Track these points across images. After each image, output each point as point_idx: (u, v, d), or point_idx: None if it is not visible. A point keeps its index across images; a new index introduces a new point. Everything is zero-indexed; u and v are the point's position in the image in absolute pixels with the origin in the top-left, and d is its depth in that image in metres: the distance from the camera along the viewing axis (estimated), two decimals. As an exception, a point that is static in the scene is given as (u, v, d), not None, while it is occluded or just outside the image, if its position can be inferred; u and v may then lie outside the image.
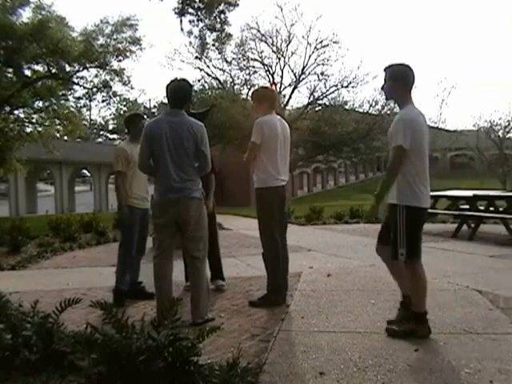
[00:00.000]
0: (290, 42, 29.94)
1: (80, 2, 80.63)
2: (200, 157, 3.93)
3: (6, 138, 17.45)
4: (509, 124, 34.40)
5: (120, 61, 18.36)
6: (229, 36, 17.91)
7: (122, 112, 22.74)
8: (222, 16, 16.17)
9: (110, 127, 39.92)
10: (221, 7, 15.68)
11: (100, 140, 42.73)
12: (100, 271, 6.54)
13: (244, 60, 30.16)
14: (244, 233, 10.49)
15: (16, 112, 18.93)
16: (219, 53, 27.91)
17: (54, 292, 5.20)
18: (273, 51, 30.10)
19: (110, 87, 19.30)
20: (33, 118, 19.60)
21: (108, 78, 18.86)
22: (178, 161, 3.85)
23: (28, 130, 19.40)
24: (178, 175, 3.84)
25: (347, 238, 9.26)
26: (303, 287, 5.11)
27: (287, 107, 30.18)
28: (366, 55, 76.13)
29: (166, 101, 4.48)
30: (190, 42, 26.99)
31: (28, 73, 18.00)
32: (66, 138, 23.19)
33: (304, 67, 29.86)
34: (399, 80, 3.52)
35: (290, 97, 30.46)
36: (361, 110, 31.56)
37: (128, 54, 18.22)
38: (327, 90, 29.80)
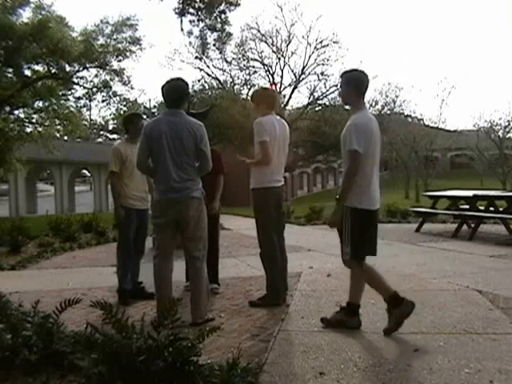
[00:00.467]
0: (289, 42, 30.00)
1: (80, 2, 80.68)
2: (200, 156, 3.93)
3: (6, 138, 17.44)
4: (509, 124, 34.42)
5: (120, 61, 18.40)
6: (229, 35, 17.90)
7: (122, 112, 22.73)
8: (223, 16, 16.16)
9: (110, 127, 39.98)
10: (221, 7, 15.67)
11: (100, 140, 42.77)
12: (100, 271, 6.54)
13: (244, 60, 30.21)
14: (244, 233, 10.49)
15: (16, 112, 18.94)
16: (220, 52, 27.96)
17: (53, 292, 5.20)
18: (273, 51, 30.14)
19: (110, 87, 19.32)
20: (33, 118, 19.60)
21: (108, 78, 18.89)
22: (177, 160, 3.84)
23: (28, 130, 19.41)
24: (177, 175, 3.84)
25: (347, 238, 9.23)
26: (303, 287, 5.11)
27: (287, 107, 30.21)
28: (366, 55, 76.12)
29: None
30: (190, 42, 27.07)
31: (28, 73, 18.02)
32: (66, 137, 23.20)
33: (304, 67, 29.90)
34: (352, 85, 3.68)
35: (290, 97, 30.50)
36: (361, 110, 31.48)
37: (128, 53, 18.24)
38: (327, 90, 29.83)
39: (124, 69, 18.76)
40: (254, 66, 30.72)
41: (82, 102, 20.98)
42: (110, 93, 19.89)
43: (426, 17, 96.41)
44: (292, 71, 30.89)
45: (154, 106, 34.26)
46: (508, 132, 35.32)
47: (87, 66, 17.96)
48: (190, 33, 20.02)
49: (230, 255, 7.35)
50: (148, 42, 41.98)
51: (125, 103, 22.20)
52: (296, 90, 30.08)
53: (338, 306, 3.85)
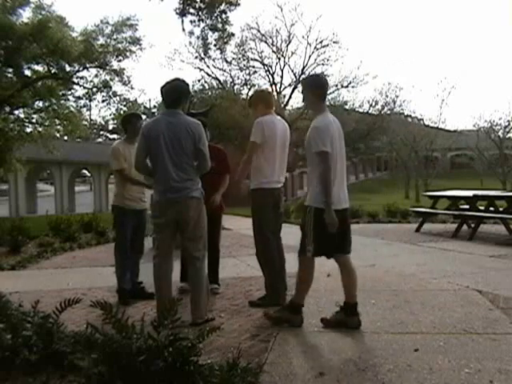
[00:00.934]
0: (289, 42, 30.06)
1: (80, 2, 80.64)
2: (199, 156, 3.93)
3: (6, 138, 17.44)
4: (509, 124, 34.36)
5: (120, 61, 18.41)
6: (231, 35, 17.88)
7: (122, 112, 22.74)
8: (224, 16, 16.13)
9: (110, 127, 39.99)
10: (222, 7, 15.64)
11: (100, 140, 42.79)
12: (100, 271, 6.54)
13: (244, 60, 30.25)
14: (244, 233, 10.46)
15: (16, 112, 18.94)
16: (221, 52, 27.97)
17: (53, 292, 5.20)
18: (273, 51, 30.18)
19: (110, 87, 19.32)
20: (33, 118, 19.60)
21: (108, 78, 18.90)
22: (176, 160, 3.84)
23: (28, 130, 19.40)
24: (177, 175, 3.84)
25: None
26: (303, 287, 5.10)
27: (287, 107, 30.22)
28: (366, 55, 76.18)
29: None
30: (190, 42, 27.11)
31: (28, 73, 18.03)
32: (66, 138, 23.20)
33: (304, 67, 29.94)
34: (311, 90, 3.79)
35: (290, 97, 30.53)
36: (361, 110, 31.61)
37: (128, 53, 18.25)
38: (327, 90, 29.81)
39: (124, 69, 18.81)
40: (254, 66, 30.79)
41: (82, 102, 20.99)
42: (110, 93, 19.91)
43: (426, 17, 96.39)
44: (292, 71, 30.97)
45: (154, 106, 34.31)
46: (508, 132, 35.29)
47: (87, 66, 17.97)
48: (191, 33, 20.00)
49: (230, 255, 7.36)
50: (148, 42, 41.99)
51: (125, 103, 22.21)
52: (296, 90, 30.14)
53: (337, 306, 3.86)
